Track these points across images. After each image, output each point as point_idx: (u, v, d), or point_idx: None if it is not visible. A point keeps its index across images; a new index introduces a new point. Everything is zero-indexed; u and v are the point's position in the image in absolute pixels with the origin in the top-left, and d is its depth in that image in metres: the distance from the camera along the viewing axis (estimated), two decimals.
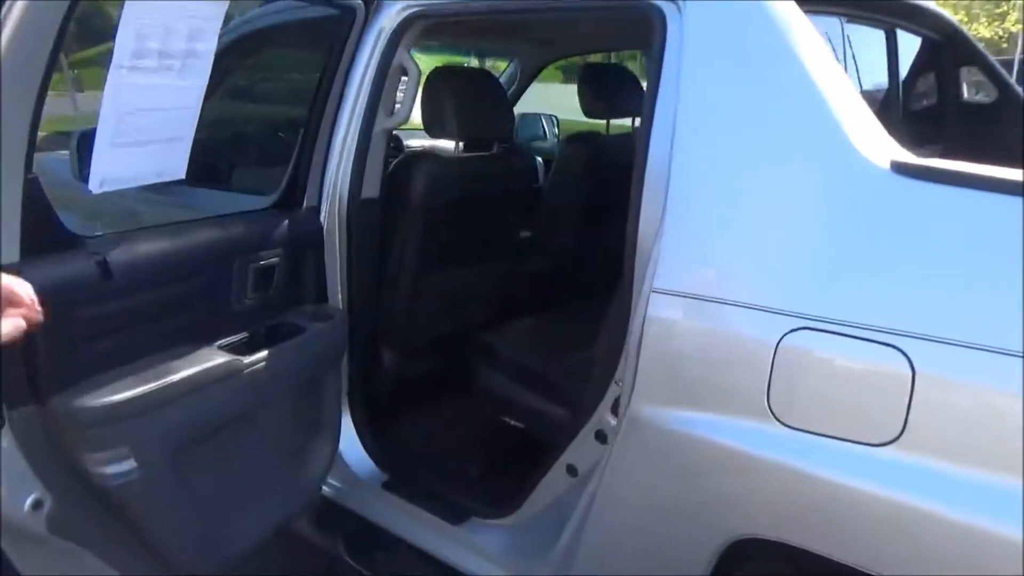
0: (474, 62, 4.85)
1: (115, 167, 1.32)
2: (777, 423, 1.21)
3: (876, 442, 1.13)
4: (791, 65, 1.29)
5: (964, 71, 2.42)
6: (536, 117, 3.99)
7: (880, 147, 1.23)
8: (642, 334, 1.36)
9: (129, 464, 1.39)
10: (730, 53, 1.36)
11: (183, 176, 1.45)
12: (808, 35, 1.31)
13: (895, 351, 1.11)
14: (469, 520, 1.93)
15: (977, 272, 1.10)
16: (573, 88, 2.62)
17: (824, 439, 1.17)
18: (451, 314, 2.34)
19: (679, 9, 1.41)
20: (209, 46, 1.28)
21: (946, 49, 2.35)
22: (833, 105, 1.25)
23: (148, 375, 1.45)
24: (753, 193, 1.28)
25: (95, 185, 1.34)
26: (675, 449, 1.35)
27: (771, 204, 1.26)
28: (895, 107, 2.22)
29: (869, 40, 2.12)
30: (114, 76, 1.14)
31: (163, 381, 1.46)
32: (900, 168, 1.18)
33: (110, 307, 1.43)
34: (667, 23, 1.42)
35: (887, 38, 2.18)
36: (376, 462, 2.10)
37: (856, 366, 1.16)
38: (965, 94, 2.46)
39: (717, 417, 1.28)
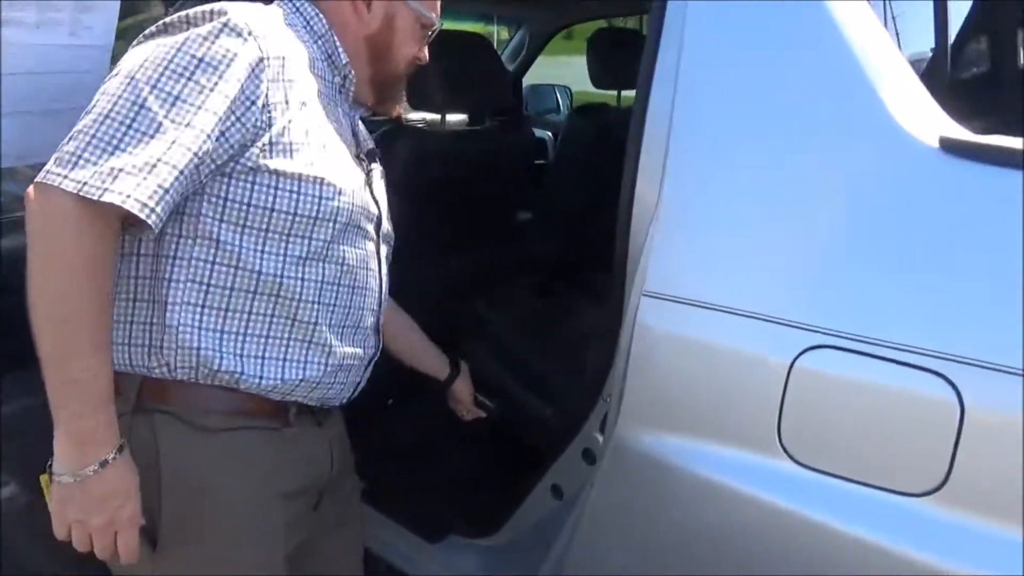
0: (503, 33, 4.59)
1: (28, 138, 1.14)
2: (790, 461, 0.98)
3: (915, 491, 0.90)
4: (819, 22, 1.04)
5: (1023, 33, 2.13)
6: (549, 89, 3.74)
7: (927, 120, 0.98)
8: (631, 344, 1.14)
9: None
10: (745, 10, 1.12)
11: None
12: None
13: (940, 379, 0.88)
14: (448, 537, 1.74)
15: None
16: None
17: (852, 485, 0.94)
18: (436, 307, 2.12)
19: None
20: None
21: (1002, 8, 2.06)
22: (868, 69, 1.01)
23: None
24: (767, 177, 1.05)
25: (11, 159, 1.18)
26: (666, 481, 1.13)
27: (789, 191, 1.03)
28: (942, 75, 1.94)
29: None
30: None
31: None
32: (952, 146, 0.94)
33: None
34: None
35: None
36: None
37: (891, 396, 0.93)
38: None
39: (717, 448, 1.06)
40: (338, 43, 1.11)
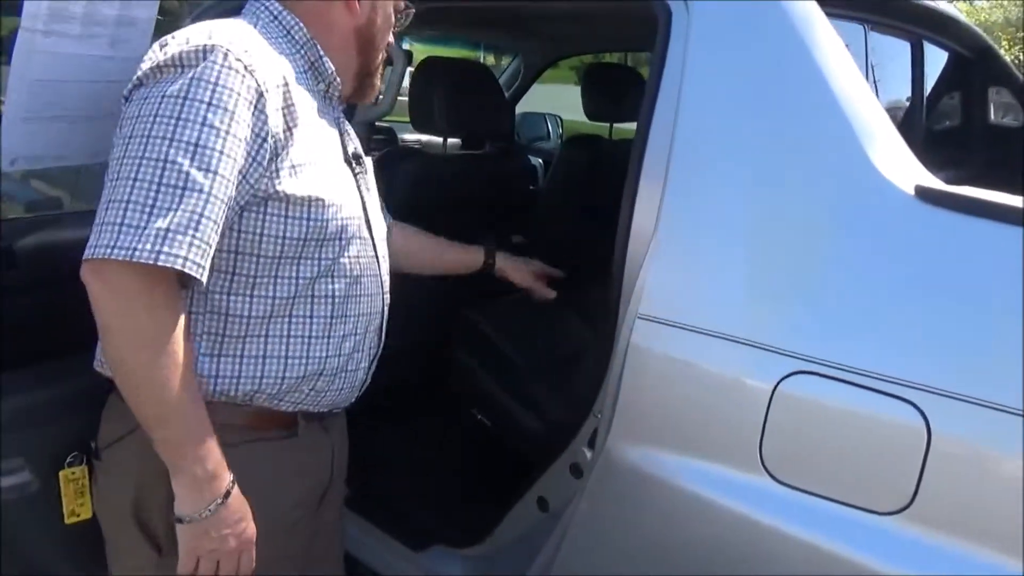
0: (490, 59, 4.71)
1: (31, 143, 1.18)
2: (771, 480, 1.06)
3: (884, 510, 0.98)
4: (807, 72, 1.14)
5: (993, 91, 2.26)
6: (539, 117, 3.84)
7: (904, 169, 1.08)
8: (624, 364, 1.21)
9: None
10: (740, 57, 1.21)
11: None
12: (829, 40, 1.16)
13: (909, 407, 0.96)
14: (432, 547, 1.78)
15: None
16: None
17: (826, 503, 1.02)
18: (429, 323, 2.19)
19: (687, 7, 1.26)
20: (148, 13, 1.13)
21: (976, 67, 2.19)
22: (853, 119, 1.10)
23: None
24: (756, 215, 1.13)
25: (7, 163, 1.20)
26: (652, 495, 1.20)
27: (775, 228, 1.11)
28: (918, 126, 2.06)
29: (893, 51, 1.96)
30: (24, 41, 1.00)
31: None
32: (926, 194, 1.04)
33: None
34: (672, 20, 1.28)
35: (913, 50, 2.02)
36: None
37: (865, 421, 1.01)
38: (993, 116, 2.30)
39: (702, 464, 1.13)
40: (321, 51, 1.12)
